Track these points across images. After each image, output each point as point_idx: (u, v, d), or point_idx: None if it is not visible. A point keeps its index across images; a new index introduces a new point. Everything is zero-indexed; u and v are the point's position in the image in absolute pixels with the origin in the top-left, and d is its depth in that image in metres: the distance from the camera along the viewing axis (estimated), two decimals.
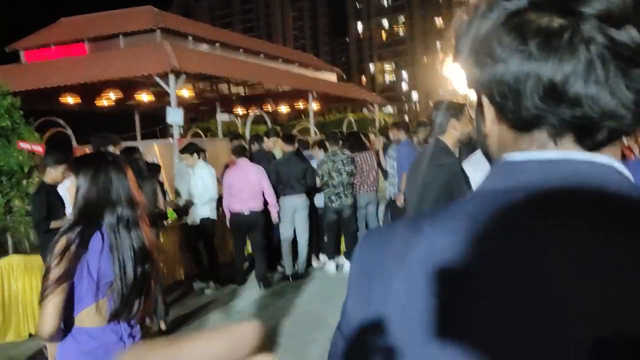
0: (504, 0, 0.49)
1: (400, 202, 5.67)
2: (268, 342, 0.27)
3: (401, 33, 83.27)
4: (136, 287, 1.76)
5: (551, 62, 0.45)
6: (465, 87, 0.57)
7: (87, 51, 10.71)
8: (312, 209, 6.25)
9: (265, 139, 6.55)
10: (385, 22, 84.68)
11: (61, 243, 1.65)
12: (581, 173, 0.48)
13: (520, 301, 0.44)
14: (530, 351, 0.43)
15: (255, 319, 0.28)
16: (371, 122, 18.31)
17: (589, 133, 0.48)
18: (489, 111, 0.53)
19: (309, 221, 6.04)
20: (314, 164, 6.20)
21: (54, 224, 3.91)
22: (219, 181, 5.83)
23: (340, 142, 6.21)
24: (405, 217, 0.59)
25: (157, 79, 8.73)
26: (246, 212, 5.54)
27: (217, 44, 12.34)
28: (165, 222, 5.51)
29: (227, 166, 6.17)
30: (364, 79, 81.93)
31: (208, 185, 5.50)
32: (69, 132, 9.32)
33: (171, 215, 5.91)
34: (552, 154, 0.49)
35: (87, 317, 1.71)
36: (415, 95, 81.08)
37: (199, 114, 19.27)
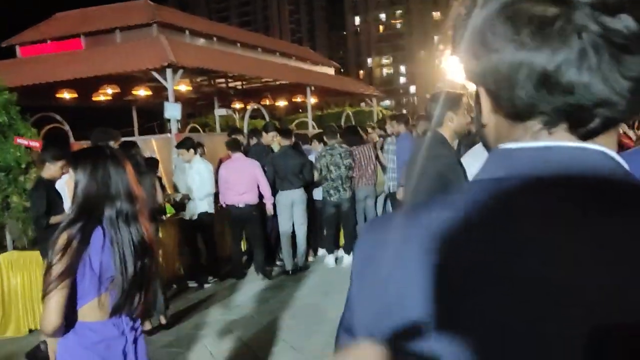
0: None
1: (400, 195, 5.68)
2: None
3: (399, 26, 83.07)
4: (137, 281, 1.76)
5: (543, 51, 0.45)
6: (463, 78, 0.57)
7: (83, 46, 10.67)
8: (311, 202, 6.26)
9: (263, 133, 6.54)
10: (382, 16, 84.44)
11: (62, 239, 1.64)
12: (573, 161, 0.48)
13: (516, 296, 0.44)
14: (526, 346, 0.44)
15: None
16: (369, 115, 18.30)
17: (582, 121, 0.48)
18: (485, 101, 0.54)
19: (307, 215, 6.05)
20: (312, 158, 6.21)
21: (53, 219, 3.91)
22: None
23: (338, 136, 6.21)
24: (403, 207, 0.59)
25: (154, 74, 8.70)
26: (241, 205, 5.60)
27: (214, 38, 12.30)
28: (163, 217, 5.51)
29: (221, 161, 6.18)
30: (361, 72, 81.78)
31: (205, 180, 5.49)
32: (66, 127, 9.27)
33: (169, 210, 5.91)
34: (545, 143, 0.49)
35: (89, 311, 1.71)
36: (413, 89, 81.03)
37: (196, 109, 19.24)
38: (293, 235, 6.01)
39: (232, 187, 5.61)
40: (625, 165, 0.49)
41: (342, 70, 23.24)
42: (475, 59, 0.50)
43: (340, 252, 6.31)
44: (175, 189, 6.05)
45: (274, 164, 5.80)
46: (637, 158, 1.52)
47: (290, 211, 5.86)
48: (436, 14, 76.04)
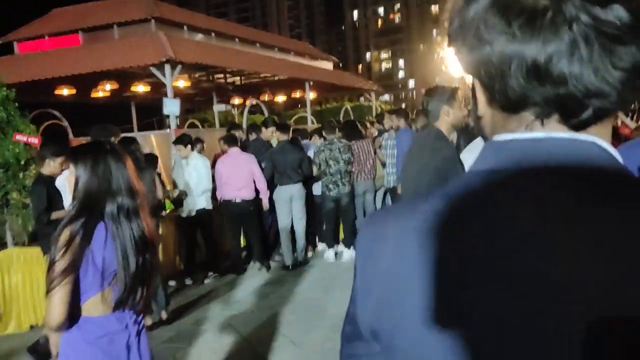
0: None
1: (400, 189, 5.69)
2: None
3: (397, 21, 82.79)
4: (138, 276, 1.77)
5: (534, 43, 0.46)
6: (460, 71, 0.57)
7: (80, 42, 10.62)
8: (310, 197, 6.27)
9: (263, 128, 6.54)
10: (381, 10, 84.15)
11: (65, 235, 1.65)
12: (564, 151, 0.49)
13: (513, 291, 0.45)
14: (524, 342, 0.44)
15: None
16: (368, 110, 18.28)
17: (574, 112, 0.48)
18: (480, 94, 0.54)
19: (307, 210, 6.06)
20: (310, 153, 6.21)
21: (54, 215, 3.91)
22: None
23: (337, 131, 6.20)
24: (402, 200, 0.60)
25: (153, 70, 8.68)
26: (238, 200, 5.63)
27: (213, 34, 12.25)
28: (163, 213, 5.51)
29: (216, 157, 6.18)
30: (360, 67, 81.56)
31: (203, 176, 5.49)
32: (65, 124, 9.26)
33: (169, 206, 5.91)
34: (537, 134, 0.50)
35: (93, 306, 1.72)
36: (411, 83, 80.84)
37: (195, 105, 19.20)
38: (292, 231, 6.02)
39: (228, 182, 5.63)
40: (617, 156, 0.49)
41: (340, 65, 23.20)
42: (469, 51, 0.51)
43: (340, 247, 6.32)
44: (175, 185, 6.05)
45: (272, 159, 5.80)
46: (637, 151, 1.52)
47: (289, 206, 5.87)
48: (434, 8, 75.77)
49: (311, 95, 14.38)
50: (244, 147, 6.41)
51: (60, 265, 1.61)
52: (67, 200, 3.76)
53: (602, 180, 0.48)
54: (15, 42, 11.32)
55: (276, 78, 13.25)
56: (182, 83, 11.11)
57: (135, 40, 9.61)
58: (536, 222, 0.46)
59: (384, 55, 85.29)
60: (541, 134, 0.50)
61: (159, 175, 5.03)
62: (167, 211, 5.85)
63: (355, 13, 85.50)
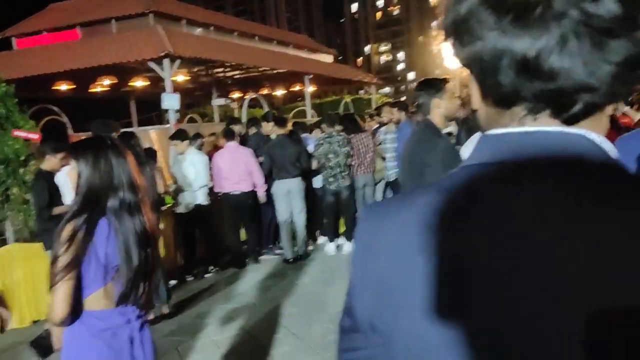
0: None
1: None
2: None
3: (397, 13, 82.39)
4: (141, 271, 1.78)
5: (524, 38, 0.46)
6: (455, 64, 0.57)
7: (79, 36, 10.59)
8: (311, 191, 6.27)
9: (263, 123, 6.52)
10: (380, 3, 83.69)
11: (67, 230, 1.65)
12: (555, 145, 0.49)
13: (513, 290, 0.45)
14: (524, 341, 0.44)
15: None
16: (368, 103, 18.23)
17: (564, 106, 0.48)
18: (474, 88, 0.54)
19: (307, 203, 6.07)
20: (310, 147, 6.21)
21: (56, 210, 3.92)
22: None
23: (336, 124, 6.19)
24: (399, 194, 0.61)
25: (151, 64, 8.65)
26: (237, 192, 5.70)
27: (211, 28, 12.21)
28: (163, 208, 5.51)
29: (209, 153, 6.19)
30: (360, 60, 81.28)
31: (200, 171, 5.48)
32: (64, 119, 9.24)
33: (168, 201, 5.91)
34: (529, 128, 0.50)
35: (96, 301, 1.73)
36: (411, 76, 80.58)
37: (194, 99, 19.15)
38: (293, 224, 6.04)
39: (226, 175, 5.67)
40: (608, 148, 0.50)
41: (340, 58, 23.10)
42: (462, 46, 0.51)
43: (341, 240, 6.33)
44: (175, 180, 6.05)
45: (270, 154, 5.81)
46: (635, 142, 1.52)
47: (288, 200, 5.87)
48: (433, 0, 75.38)
49: (310, 88, 14.35)
50: (244, 141, 6.41)
51: (63, 260, 1.62)
52: (68, 195, 3.77)
53: (595, 176, 0.48)
54: (13, 37, 11.28)
55: (275, 71, 13.22)
56: (181, 77, 11.08)
57: (133, 34, 9.58)
58: (536, 221, 0.46)
59: (384, 47, 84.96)
60: (532, 127, 0.50)
61: (159, 170, 5.03)
62: (168, 206, 5.85)
63: (355, 5, 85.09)
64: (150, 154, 5.07)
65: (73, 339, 1.74)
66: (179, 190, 5.49)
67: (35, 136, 4.85)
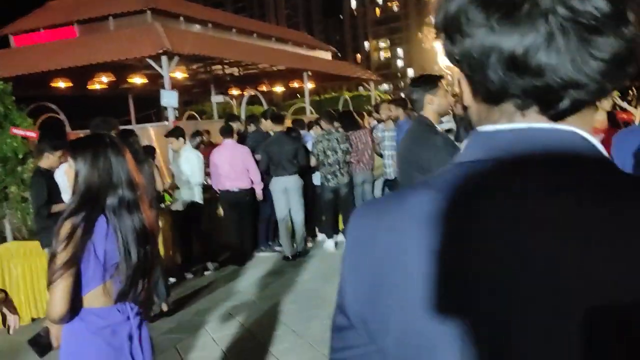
0: None
1: None
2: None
3: (396, 9, 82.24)
4: (140, 268, 1.78)
5: (512, 35, 0.46)
6: (447, 61, 0.58)
7: (77, 34, 10.56)
8: (310, 188, 6.27)
9: (262, 120, 6.52)
10: None
11: (66, 228, 1.65)
12: (546, 141, 0.49)
13: (513, 290, 0.45)
14: (524, 339, 0.44)
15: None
16: (367, 100, 18.21)
17: (551, 103, 0.49)
18: (465, 85, 0.55)
19: (307, 200, 6.07)
20: (309, 144, 6.20)
21: (54, 208, 3.92)
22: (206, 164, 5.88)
23: (335, 121, 6.19)
24: (392, 192, 0.61)
25: (150, 61, 8.63)
26: (235, 189, 5.71)
27: (209, 24, 12.18)
28: (162, 205, 5.50)
29: (207, 148, 6.19)
30: (359, 57, 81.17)
31: (195, 169, 5.46)
32: (62, 117, 9.22)
33: (167, 198, 5.91)
34: (518, 125, 0.50)
35: (95, 298, 1.73)
36: (411, 72, 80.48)
37: (193, 96, 19.12)
38: (292, 221, 6.04)
39: (223, 173, 5.68)
40: (598, 145, 0.50)
41: (339, 54, 23.04)
42: (452, 43, 0.51)
43: (340, 237, 6.34)
44: (174, 177, 6.04)
45: (267, 151, 5.82)
46: (633, 137, 1.52)
47: (286, 197, 5.87)
48: None
49: (309, 85, 14.34)
50: (243, 138, 6.40)
51: (62, 257, 1.62)
52: (66, 193, 3.76)
53: (591, 175, 0.48)
54: (11, 35, 11.25)
55: (274, 68, 13.20)
56: (180, 74, 11.05)
57: (131, 31, 9.55)
58: (535, 220, 0.46)
59: (383, 44, 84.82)
60: (522, 124, 0.50)
61: (158, 167, 5.02)
62: (167, 203, 5.84)
63: (354, 2, 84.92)
64: (149, 151, 5.07)
65: (72, 336, 1.74)
66: (173, 187, 5.48)
67: (33, 134, 4.84)
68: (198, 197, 5.55)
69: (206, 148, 6.52)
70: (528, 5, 0.45)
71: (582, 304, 0.42)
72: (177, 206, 5.50)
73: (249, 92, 12.22)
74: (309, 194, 6.28)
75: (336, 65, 17.51)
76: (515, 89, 0.48)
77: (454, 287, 0.48)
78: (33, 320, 4.51)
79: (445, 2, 0.52)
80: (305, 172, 6.07)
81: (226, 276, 5.55)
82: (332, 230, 6.25)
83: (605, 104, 4.92)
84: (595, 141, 0.50)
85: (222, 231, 6.37)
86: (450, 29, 0.51)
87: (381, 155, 6.33)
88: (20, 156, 4.85)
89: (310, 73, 13.71)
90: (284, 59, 13.27)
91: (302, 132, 6.67)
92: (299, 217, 5.98)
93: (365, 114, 8.49)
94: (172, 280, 5.26)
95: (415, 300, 0.49)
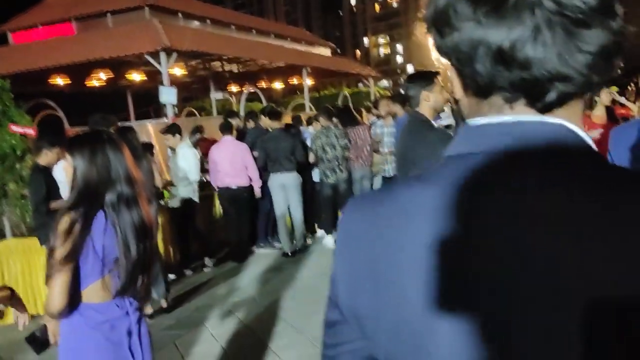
0: None
1: None
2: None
3: (395, 5, 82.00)
4: (139, 263, 1.78)
5: (499, 29, 0.46)
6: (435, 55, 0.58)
7: (74, 31, 10.53)
8: (309, 184, 6.27)
9: (262, 116, 6.50)
10: None
11: (64, 223, 1.65)
12: (533, 134, 0.49)
13: (510, 287, 0.45)
14: (524, 337, 0.44)
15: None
16: (367, 96, 18.18)
17: (538, 95, 0.49)
18: (455, 79, 0.55)
19: (306, 196, 6.07)
20: (308, 141, 6.20)
21: (53, 205, 3.91)
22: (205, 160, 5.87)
23: (333, 117, 6.18)
24: (385, 186, 0.61)
25: (148, 58, 8.61)
26: (233, 186, 5.71)
27: (208, 21, 12.15)
28: (162, 202, 5.50)
29: (205, 145, 6.18)
30: (358, 53, 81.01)
31: (191, 165, 5.45)
32: (61, 114, 9.21)
33: (166, 195, 5.91)
34: (507, 118, 0.51)
35: (93, 293, 1.73)
36: (410, 68, 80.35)
37: (192, 93, 19.09)
38: (290, 218, 6.04)
39: (222, 169, 5.67)
40: (586, 138, 0.50)
41: (338, 51, 23.00)
42: (442, 37, 0.52)
43: None
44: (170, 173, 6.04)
45: (264, 147, 5.81)
46: (629, 131, 1.52)
47: (284, 193, 5.87)
48: None
49: (309, 81, 14.31)
50: (243, 134, 6.39)
51: (60, 252, 1.62)
52: (65, 190, 3.76)
53: (581, 168, 0.48)
54: (9, 32, 11.22)
55: (273, 65, 13.17)
56: (179, 71, 11.03)
57: (129, 28, 9.53)
58: (527, 216, 0.46)
59: (382, 40, 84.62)
60: (511, 117, 0.51)
61: (156, 163, 5.01)
62: (167, 200, 5.84)
63: None
64: (148, 147, 5.06)
65: (71, 332, 1.75)
66: (169, 184, 5.48)
67: (31, 131, 4.83)
68: (194, 195, 5.54)
69: (203, 143, 6.51)
70: None
71: (582, 304, 0.42)
72: (174, 203, 5.49)
73: (248, 89, 12.20)
74: (308, 190, 6.28)
75: (335, 61, 17.48)
76: (503, 82, 0.49)
77: (453, 285, 0.47)
78: (32, 317, 4.51)
79: None
80: (304, 169, 6.06)
81: (225, 273, 5.56)
82: (331, 227, 6.25)
83: (605, 99, 4.94)
84: (583, 133, 0.50)
85: (221, 228, 6.38)
86: (440, 23, 0.51)
87: (377, 151, 6.32)
88: (19, 153, 4.84)
89: (309, 69, 13.69)
90: (283, 55, 13.25)
91: (301, 128, 6.67)
92: (298, 214, 5.98)
93: (363, 110, 8.48)
94: (171, 276, 5.26)
95: (412, 297, 0.49)
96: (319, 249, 6.18)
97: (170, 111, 8.34)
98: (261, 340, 3.76)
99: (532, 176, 0.47)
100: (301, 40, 16.19)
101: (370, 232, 0.54)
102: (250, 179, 5.80)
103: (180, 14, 11.18)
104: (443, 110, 3.30)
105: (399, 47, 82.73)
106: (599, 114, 4.91)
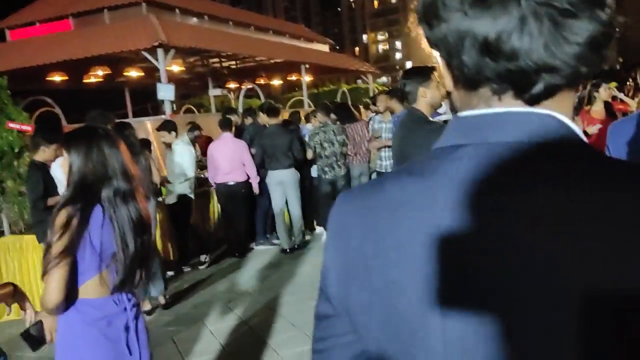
0: None
1: None
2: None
3: (393, 1, 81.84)
4: (137, 258, 1.78)
5: (485, 20, 0.46)
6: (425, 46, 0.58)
7: (72, 27, 10.50)
8: (308, 180, 6.26)
9: (260, 113, 6.50)
10: None
11: (61, 217, 1.64)
12: (522, 126, 0.49)
13: (510, 287, 0.45)
14: (522, 335, 0.44)
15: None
16: (365, 92, 18.16)
17: (525, 87, 0.48)
18: (445, 71, 0.55)
19: (304, 193, 6.07)
20: (307, 137, 6.20)
21: (51, 201, 3.91)
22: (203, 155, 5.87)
23: (331, 113, 6.17)
24: (377, 178, 0.61)
25: (146, 54, 8.59)
26: (231, 183, 5.72)
27: (206, 17, 12.11)
28: (160, 198, 5.49)
29: (204, 142, 6.18)
30: (357, 49, 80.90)
31: (187, 162, 5.44)
32: (58, 110, 9.18)
33: (164, 191, 5.89)
34: (495, 110, 0.51)
35: (90, 288, 1.73)
36: (409, 65, 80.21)
37: (190, 90, 19.04)
38: (289, 214, 6.04)
39: (220, 166, 5.68)
40: (576, 129, 0.50)
41: (337, 47, 22.97)
42: (431, 29, 0.52)
43: None
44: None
45: (261, 144, 5.81)
46: (627, 126, 1.52)
47: (281, 190, 5.87)
48: None
49: (307, 78, 14.30)
50: (241, 131, 6.39)
51: (57, 247, 1.62)
52: (62, 186, 3.75)
53: (573, 160, 0.47)
54: (6, 29, 11.18)
55: (272, 61, 13.15)
56: (176, 68, 11.00)
57: (126, 24, 9.50)
58: (533, 216, 0.45)
59: (381, 36, 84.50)
60: (499, 109, 0.50)
61: (153, 160, 5.00)
62: (162, 197, 5.83)
63: None
64: (146, 144, 5.05)
65: (68, 328, 1.74)
66: (166, 181, 5.47)
67: (28, 128, 4.82)
68: (189, 191, 5.53)
69: (200, 140, 6.50)
70: None
71: (582, 304, 0.42)
72: (171, 199, 5.49)
73: (246, 86, 12.18)
74: (307, 186, 6.28)
75: (334, 57, 17.46)
76: (489, 73, 0.48)
77: (452, 281, 0.47)
78: (36, 312, 4.50)
79: None
80: (302, 165, 6.06)
81: (224, 269, 5.56)
82: None
83: (604, 95, 4.95)
84: (573, 125, 0.50)
85: (219, 225, 6.37)
86: (429, 15, 0.51)
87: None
88: (17, 150, 4.83)
89: (308, 66, 13.67)
90: (282, 51, 13.22)
91: (300, 124, 6.66)
92: (296, 210, 5.98)
93: (362, 107, 8.47)
94: (169, 273, 5.26)
95: (406, 290, 0.49)
96: (318, 245, 6.18)
97: (168, 108, 8.32)
98: (259, 337, 3.77)
99: (527, 171, 0.47)
100: (300, 36, 16.15)
101: (362, 225, 0.53)
102: (248, 177, 5.79)
103: (177, 10, 11.14)
104: (441, 106, 3.29)
105: (398, 44, 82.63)
106: (597, 109, 4.93)
